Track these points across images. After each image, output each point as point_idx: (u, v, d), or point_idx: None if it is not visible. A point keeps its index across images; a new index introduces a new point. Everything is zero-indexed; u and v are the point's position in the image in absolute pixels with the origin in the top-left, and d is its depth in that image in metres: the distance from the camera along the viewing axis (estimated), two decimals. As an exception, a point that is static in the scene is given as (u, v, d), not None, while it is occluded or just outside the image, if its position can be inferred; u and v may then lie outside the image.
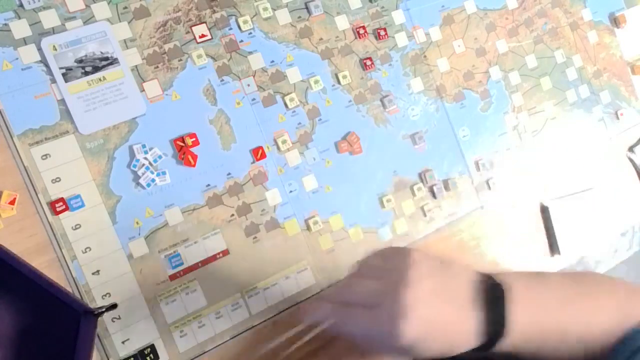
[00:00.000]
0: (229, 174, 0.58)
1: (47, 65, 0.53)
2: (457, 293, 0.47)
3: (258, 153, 0.59)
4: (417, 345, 0.45)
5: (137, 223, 0.54)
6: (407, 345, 0.45)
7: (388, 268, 0.48)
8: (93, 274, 0.52)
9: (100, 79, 0.54)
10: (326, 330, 0.47)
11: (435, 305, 0.46)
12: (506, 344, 0.47)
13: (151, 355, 0.53)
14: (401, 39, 0.68)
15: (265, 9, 0.61)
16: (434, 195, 0.67)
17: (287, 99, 0.61)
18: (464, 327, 0.46)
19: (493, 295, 0.47)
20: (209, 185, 0.57)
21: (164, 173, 0.55)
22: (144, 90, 0.56)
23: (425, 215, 0.66)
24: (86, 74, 0.54)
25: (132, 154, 0.55)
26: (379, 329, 0.45)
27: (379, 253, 0.49)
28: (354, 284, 0.48)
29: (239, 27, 0.60)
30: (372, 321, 0.45)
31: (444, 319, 0.46)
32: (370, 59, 0.66)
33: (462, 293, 0.47)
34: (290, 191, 0.60)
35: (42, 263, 0.50)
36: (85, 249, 0.52)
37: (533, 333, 0.48)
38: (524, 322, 0.48)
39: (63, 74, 0.53)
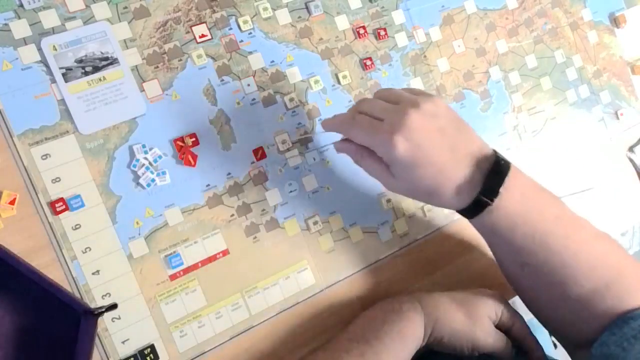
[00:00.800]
0: (229, 174, 0.58)
1: (47, 65, 0.53)
2: (463, 147, 0.51)
3: (258, 153, 0.59)
4: (406, 168, 0.50)
5: (137, 223, 0.54)
6: (399, 162, 0.49)
7: (409, 97, 0.52)
8: (93, 274, 0.52)
9: (100, 79, 0.54)
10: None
11: (436, 141, 0.50)
12: (489, 217, 0.51)
13: (151, 355, 0.53)
14: (401, 39, 0.68)
15: (265, 9, 0.61)
16: (434, 195, 0.67)
17: (287, 99, 0.61)
18: (456, 175, 0.50)
19: (497, 166, 0.51)
20: (209, 185, 0.57)
21: (164, 173, 0.55)
22: (144, 90, 0.56)
23: (425, 215, 0.66)
24: (86, 74, 0.54)
25: (132, 154, 0.55)
26: (376, 138, 0.50)
27: (410, 89, 0.55)
28: (371, 100, 0.53)
29: (239, 27, 0.60)
30: (373, 129, 0.50)
31: (439, 157, 0.50)
32: (370, 59, 0.66)
33: (466, 149, 0.51)
34: (290, 191, 0.60)
35: (42, 263, 0.50)
36: (85, 249, 0.52)
37: (516, 222, 0.51)
38: (514, 205, 0.51)
39: (63, 74, 0.53)
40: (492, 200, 0.50)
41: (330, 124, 0.56)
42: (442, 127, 0.50)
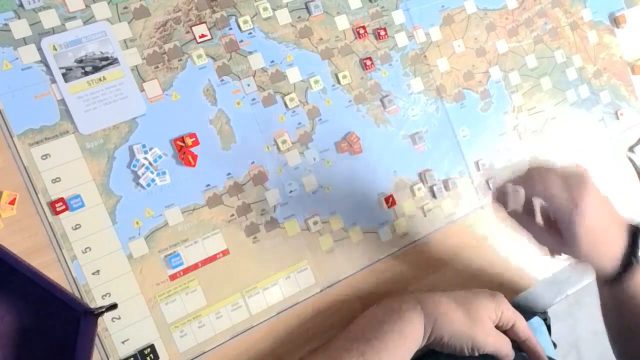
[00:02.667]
0: (229, 174, 0.58)
1: (47, 65, 0.53)
2: (615, 221, 0.57)
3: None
4: (581, 235, 0.54)
5: (137, 223, 0.54)
6: (580, 223, 0.53)
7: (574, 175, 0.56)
8: (93, 274, 0.52)
9: (100, 79, 0.54)
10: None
11: (602, 214, 0.55)
12: (632, 281, 0.56)
13: (151, 355, 0.53)
14: (401, 39, 0.68)
15: (265, 9, 0.61)
16: (434, 195, 0.67)
17: (287, 99, 0.61)
18: (614, 243, 0.56)
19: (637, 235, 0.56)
20: (209, 185, 0.57)
21: (164, 173, 0.55)
22: (144, 90, 0.56)
23: (425, 215, 0.66)
24: (86, 74, 0.54)
25: (132, 154, 0.55)
26: (565, 204, 0.54)
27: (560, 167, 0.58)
28: (549, 175, 0.56)
29: (239, 27, 0.60)
30: (557, 198, 0.54)
31: (603, 226, 0.55)
32: (370, 59, 0.66)
33: (618, 222, 0.57)
34: (290, 191, 0.60)
35: (42, 263, 0.50)
36: (85, 249, 0.52)
37: None
38: None
39: (63, 74, 0.53)
40: (631, 268, 0.55)
41: (517, 179, 0.57)
42: (604, 201, 0.56)
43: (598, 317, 0.65)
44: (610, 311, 0.61)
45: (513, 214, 0.58)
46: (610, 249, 0.55)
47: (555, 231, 0.56)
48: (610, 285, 0.57)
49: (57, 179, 0.52)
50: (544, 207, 0.58)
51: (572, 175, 0.55)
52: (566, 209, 0.54)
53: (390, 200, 0.64)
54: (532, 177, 0.56)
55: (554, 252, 0.59)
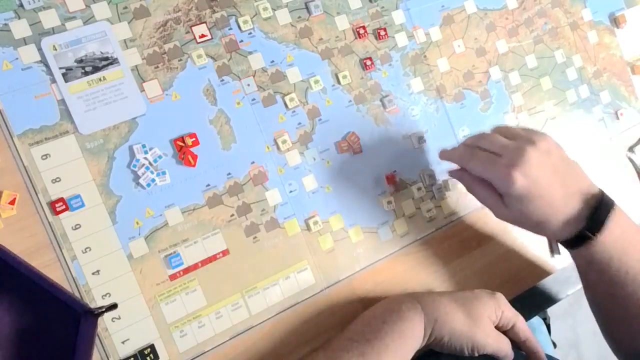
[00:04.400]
0: (229, 174, 0.58)
1: (47, 65, 0.53)
2: (573, 183, 0.56)
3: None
4: (521, 201, 0.54)
5: (137, 223, 0.54)
6: (515, 195, 0.54)
7: (523, 135, 0.57)
8: (93, 274, 0.52)
9: (100, 79, 0.54)
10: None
11: (550, 177, 0.54)
12: (587, 249, 0.56)
13: (151, 355, 0.53)
14: (401, 39, 0.68)
15: (265, 9, 0.61)
16: (434, 195, 0.67)
17: (287, 99, 0.61)
18: (565, 210, 0.55)
19: (602, 204, 0.55)
20: (209, 185, 0.57)
21: (164, 173, 0.55)
22: (144, 90, 0.56)
23: (425, 215, 0.66)
24: (86, 74, 0.54)
25: (132, 154, 0.55)
26: (495, 172, 0.55)
27: (523, 128, 0.59)
28: (488, 136, 0.58)
29: (239, 27, 0.60)
30: (491, 165, 0.55)
31: (551, 192, 0.54)
32: (370, 59, 0.66)
33: (576, 186, 0.56)
34: (290, 191, 0.60)
35: (42, 263, 0.50)
36: (85, 249, 0.52)
37: (612, 257, 0.56)
38: (613, 241, 0.55)
39: (63, 74, 0.53)
40: (594, 235, 0.55)
41: (448, 156, 0.61)
42: (555, 164, 0.55)
43: (598, 317, 0.65)
44: (585, 280, 0.61)
45: (461, 178, 0.60)
46: (563, 219, 0.55)
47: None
48: (577, 254, 0.58)
49: (57, 179, 0.52)
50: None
51: (509, 149, 0.55)
52: (500, 184, 0.55)
53: (391, 179, 0.64)
54: (466, 159, 0.58)
55: (503, 219, 0.59)
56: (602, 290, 0.59)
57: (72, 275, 0.52)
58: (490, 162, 0.55)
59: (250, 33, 0.61)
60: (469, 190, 0.60)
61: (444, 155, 0.61)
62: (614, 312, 0.60)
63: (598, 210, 0.55)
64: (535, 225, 0.57)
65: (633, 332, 0.59)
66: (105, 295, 0.52)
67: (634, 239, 0.57)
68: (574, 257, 0.60)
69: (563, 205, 0.55)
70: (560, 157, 0.56)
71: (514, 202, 0.55)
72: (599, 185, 0.58)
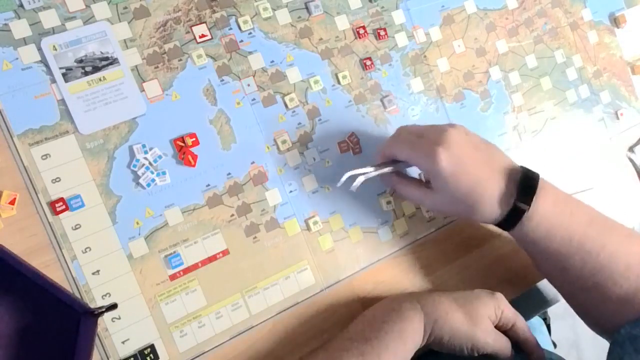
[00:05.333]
0: (229, 174, 0.58)
1: (47, 65, 0.53)
2: (495, 160, 0.56)
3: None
4: (448, 179, 0.54)
5: (137, 223, 0.54)
6: (442, 173, 0.54)
7: (438, 125, 0.58)
8: (93, 274, 0.52)
9: (100, 79, 0.54)
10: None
11: (473, 154, 0.55)
12: (527, 226, 0.55)
13: (151, 355, 0.53)
14: (401, 39, 0.68)
15: (265, 9, 0.61)
16: (434, 195, 0.67)
17: (287, 99, 0.61)
18: (493, 186, 0.55)
19: (527, 177, 0.56)
20: (209, 185, 0.57)
21: (164, 173, 0.55)
22: (144, 90, 0.56)
23: (425, 215, 0.66)
24: (86, 74, 0.54)
25: (132, 154, 0.55)
26: (420, 151, 0.55)
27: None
28: (406, 128, 0.59)
29: (239, 27, 0.60)
30: (415, 145, 0.56)
31: (477, 169, 0.54)
32: (370, 59, 0.66)
33: (499, 163, 0.56)
34: (290, 191, 0.60)
35: (42, 263, 0.50)
36: (85, 249, 0.52)
37: (553, 227, 0.55)
38: (548, 211, 0.55)
39: (63, 74, 0.53)
40: (528, 206, 0.54)
41: (380, 154, 0.60)
42: (476, 143, 0.56)
43: (598, 317, 0.65)
44: (535, 260, 0.61)
45: (386, 181, 0.61)
46: (492, 196, 0.55)
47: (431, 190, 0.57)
48: (517, 234, 0.57)
49: (57, 179, 0.52)
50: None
51: (430, 130, 0.56)
52: (426, 163, 0.55)
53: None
54: (390, 144, 0.58)
55: (435, 206, 0.59)
56: (554, 267, 0.58)
57: (72, 275, 0.52)
58: (413, 142, 0.56)
59: (250, 33, 0.61)
60: (396, 190, 0.62)
61: (377, 156, 0.60)
62: (572, 288, 0.60)
63: (524, 183, 0.55)
64: (468, 207, 0.56)
65: (597, 304, 0.58)
66: (105, 295, 0.52)
67: (569, 206, 0.57)
68: (516, 239, 0.59)
69: (490, 182, 0.55)
70: (478, 138, 0.57)
71: (441, 182, 0.55)
72: (596, 184, 0.58)
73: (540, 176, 0.57)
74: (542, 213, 0.55)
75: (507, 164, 0.56)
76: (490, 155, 0.56)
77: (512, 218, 0.55)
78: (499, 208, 0.55)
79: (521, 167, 0.57)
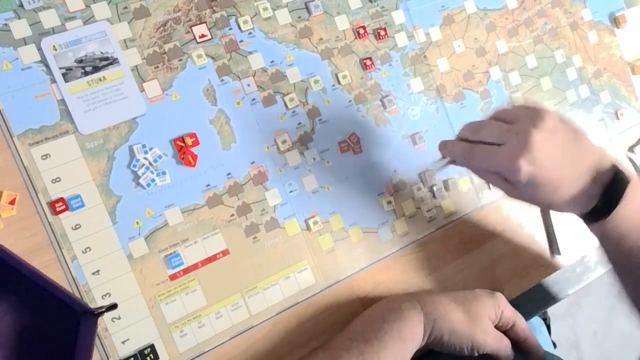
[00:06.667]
0: (229, 174, 0.58)
1: (47, 65, 0.53)
2: (582, 161, 0.52)
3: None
4: (531, 187, 0.51)
5: (137, 223, 0.54)
6: (523, 181, 0.51)
7: (526, 115, 0.52)
8: (93, 274, 0.52)
9: (100, 79, 0.54)
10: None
11: (557, 159, 0.51)
12: (602, 225, 0.53)
13: (151, 355, 0.53)
14: (401, 39, 0.68)
15: (265, 9, 0.61)
16: (434, 195, 0.67)
17: (287, 99, 0.61)
18: (576, 190, 0.51)
19: (616, 181, 0.52)
20: (209, 185, 0.57)
21: (164, 173, 0.55)
22: (144, 90, 0.56)
23: (425, 215, 0.66)
24: (86, 74, 0.54)
25: (132, 154, 0.55)
26: (499, 164, 0.51)
27: (523, 105, 0.55)
28: (486, 124, 0.54)
29: (239, 27, 0.60)
30: (493, 158, 0.52)
31: (560, 175, 0.51)
32: (370, 59, 0.66)
33: (585, 163, 0.52)
34: (290, 191, 0.60)
35: (42, 263, 0.50)
36: (85, 249, 0.52)
37: (628, 232, 0.53)
38: (628, 218, 0.52)
39: (63, 74, 0.53)
40: (608, 214, 0.52)
41: (449, 152, 0.57)
42: (562, 143, 0.51)
43: (598, 317, 0.65)
44: (605, 252, 0.58)
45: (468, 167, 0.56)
46: (574, 199, 0.52)
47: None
48: (593, 228, 0.55)
49: (57, 179, 0.52)
50: None
51: (511, 134, 0.51)
52: (507, 175, 0.52)
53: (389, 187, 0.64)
54: (465, 148, 0.54)
55: (514, 198, 0.56)
56: (619, 263, 0.57)
57: (72, 275, 0.52)
58: (492, 155, 0.52)
59: (250, 33, 0.61)
60: (479, 175, 0.58)
61: (445, 150, 0.58)
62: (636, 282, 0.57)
63: (611, 188, 0.52)
64: (547, 206, 0.55)
65: None
66: (105, 295, 0.52)
67: None
68: (590, 230, 0.56)
69: (574, 186, 0.52)
70: (566, 133, 0.52)
71: (523, 188, 0.52)
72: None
73: (632, 178, 0.53)
74: (621, 218, 0.52)
75: (595, 163, 0.52)
76: (577, 155, 0.52)
77: (589, 217, 0.54)
78: (578, 209, 0.53)
79: (612, 166, 0.53)
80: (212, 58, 0.59)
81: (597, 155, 0.53)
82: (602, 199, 0.52)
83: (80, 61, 0.54)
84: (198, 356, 0.55)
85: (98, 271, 0.52)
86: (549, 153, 0.50)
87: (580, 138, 0.53)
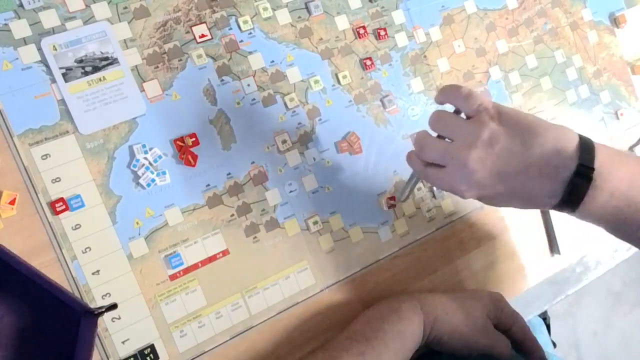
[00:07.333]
0: (229, 174, 0.58)
1: (47, 65, 0.53)
2: (530, 162, 0.48)
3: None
4: (485, 202, 0.52)
5: (137, 223, 0.54)
6: (489, 204, 0.52)
7: (459, 130, 0.51)
8: (93, 274, 0.52)
9: (100, 79, 0.54)
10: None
11: (503, 170, 0.48)
12: (584, 212, 0.48)
13: (151, 355, 0.53)
14: (401, 39, 0.68)
15: (265, 9, 0.61)
16: (434, 195, 0.67)
17: (287, 99, 0.61)
18: (536, 192, 0.49)
19: (579, 172, 0.47)
20: (209, 185, 0.57)
21: (164, 173, 0.55)
22: (144, 90, 0.56)
23: (425, 215, 0.66)
24: (86, 74, 0.54)
25: (132, 154, 0.55)
26: (446, 187, 0.52)
27: (458, 117, 0.53)
28: (426, 145, 0.52)
29: (239, 27, 0.60)
30: (440, 181, 0.52)
31: (513, 185, 0.49)
32: (370, 59, 0.66)
33: (536, 163, 0.48)
34: (290, 191, 0.60)
35: (42, 263, 0.50)
36: (85, 249, 0.52)
37: (615, 209, 0.48)
38: (606, 198, 0.48)
39: (63, 74, 0.53)
40: (577, 205, 0.48)
41: (412, 166, 0.56)
42: (503, 153, 0.48)
43: (598, 317, 0.65)
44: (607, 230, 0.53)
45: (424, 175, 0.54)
46: (538, 201, 0.50)
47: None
48: (576, 216, 0.50)
49: (57, 179, 0.52)
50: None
51: (447, 157, 0.49)
52: (455, 194, 0.51)
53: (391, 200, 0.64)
54: (419, 144, 0.52)
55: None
56: (624, 236, 0.52)
57: (72, 275, 0.52)
58: (439, 179, 0.52)
59: (250, 33, 0.61)
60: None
61: (409, 163, 0.56)
62: None
63: (574, 181, 0.47)
64: (517, 207, 0.52)
65: None
66: (105, 295, 0.52)
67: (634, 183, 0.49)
68: (587, 221, 0.52)
69: (528, 191, 0.49)
70: (507, 138, 0.48)
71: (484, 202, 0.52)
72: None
73: (596, 144, 0.49)
74: (596, 206, 0.48)
75: (553, 156, 0.48)
76: (526, 156, 0.48)
77: (562, 210, 0.50)
78: (548, 206, 0.50)
79: (576, 152, 0.48)
80: (212, 58, 0.59)
81: (552, 149, 0.48)
82: (564, 196, 0.48)
83: (80, 61, 0.54)
84: (198, 356, 0.55)
85: (98, 271, 0.52)
86: (488, 170, 0.48)
87: (529, 136, 0.48)
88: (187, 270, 0.55)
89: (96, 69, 0.54)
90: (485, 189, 0.50)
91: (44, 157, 0.52)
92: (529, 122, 0.50)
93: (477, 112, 0.50)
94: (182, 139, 0.57)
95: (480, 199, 0.52)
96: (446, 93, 0.54)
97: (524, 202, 0.51)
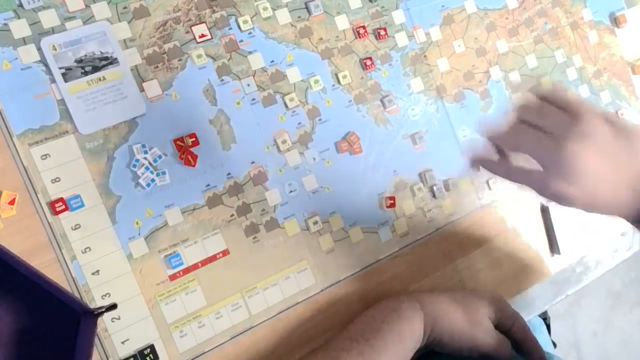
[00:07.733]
0: (229, 174, 0.58)
1: (46, 65, 0.53)
2: (620, 165, 0.46)
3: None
4: (572, 199, 0.47)
5: (137, 223, 0.54)
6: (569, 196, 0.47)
7: (561, 123, 0.47)
8: (93, 274, 0.52)
9: (100, 79, 0.54)
10: None
11: (595, 167, 0.45)
12: None
13: (151, 355, 0.53)
14: (401, 39, 0.68)
15: (265, 9, 0.61)
16: (434, 195, 0.67)
17: (287, 99, 0.61)
18: (615, 199, 0.47)
19: None
20: (209, 185, 0.57)
21: (163, 173, 0.55)
22: (143, 90, 0.56)
23: (425, 215, 0.66)
24: (86, 73, 0.54)
25: (131, 154, 0.55)
26: (546, 190, 0.47)
27: (556, 109, 0.48)
28: (523, 139, 0.48)
29: (238, 27, 0.60)
30: (540, 182, 0.47)
31: (593, 183, 0.46)
32: (370, 58, 0.66)
33: (624, 168, 0.46)
34: (290, 191, 0.60)
35: (42, 263, 0.50)
36: (85, 249, 0.52)
37: None
38: None
39: (63, 74, 0.53)
40: None
41: (487, 167, 0.52)
42: (600, 148, 0.46)
43: (598, 317, 0.65)
44: None
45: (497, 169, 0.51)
46: (613, 210, 0.48)
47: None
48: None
49: (57, 179, 0.52)
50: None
51: (543, 149, 0.46)
52: (547, 197, 0.48)
53: (390, 202, 0.64)
54: (506, 134, 0.49)
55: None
56: None
57: (72, 275, 0.52)
58: (526, 174, 0.48)
59: (250, 33, 0.61)
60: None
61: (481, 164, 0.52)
62: None
63: None
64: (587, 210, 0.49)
65: None
66: (105, 295, 0.52)
67: None
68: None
69: (610, 195, 0.47)
70: (604, 136, 0.46)
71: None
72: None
73: None
74: None
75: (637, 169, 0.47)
76: (618, 159, 0.46)
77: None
78: (621, 216, 0.49)
79: None
80: (212, 58, 0.59)
81: None
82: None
83: (80, 61, 0.54)
84: (198, 356, 0.55)
85: (98, 271, 0.52)
86: (585, 164, 0.46)
87: (623, 139, 0.47)
88: (187, 270, 0.55)
89: (96, 69, 0.54)
90: (579, 185, 0.46)
91: (44, 157, 0.52)
92: (617, 125, 0.48)
93: (582, 108, 0.47)
94: (181, 139, 0.57)
95: (572, 198, 0.47)
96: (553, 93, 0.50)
97: (612, 209, 0.48)
